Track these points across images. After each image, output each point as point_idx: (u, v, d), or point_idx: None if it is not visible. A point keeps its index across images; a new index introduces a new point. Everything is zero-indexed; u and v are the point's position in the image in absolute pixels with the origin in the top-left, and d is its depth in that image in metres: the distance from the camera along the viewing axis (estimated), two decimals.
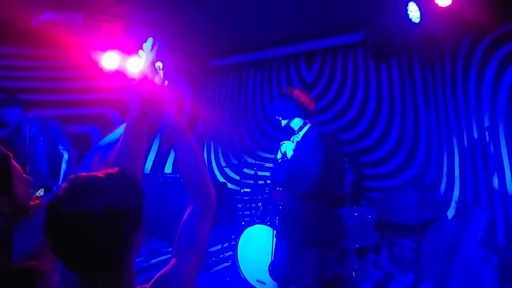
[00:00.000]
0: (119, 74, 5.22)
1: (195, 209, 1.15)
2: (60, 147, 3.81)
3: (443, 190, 4.40)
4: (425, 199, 4.08)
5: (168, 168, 6.39)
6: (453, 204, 4.25)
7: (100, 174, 0.93)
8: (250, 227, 3.75)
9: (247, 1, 3.80)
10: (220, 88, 6.58)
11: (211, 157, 6.64)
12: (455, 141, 4.27)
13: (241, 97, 6.36)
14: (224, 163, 6.44)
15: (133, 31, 4.58)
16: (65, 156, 3.84)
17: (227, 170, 6.31)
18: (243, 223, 4.28)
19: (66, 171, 3.84)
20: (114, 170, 0.97)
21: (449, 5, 3.02)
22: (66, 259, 0.88)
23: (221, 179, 6.25)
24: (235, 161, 6.23)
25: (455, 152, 4.26)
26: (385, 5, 3.78)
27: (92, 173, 0.93)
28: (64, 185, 0.90)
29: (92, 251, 0.87)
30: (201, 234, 1.10)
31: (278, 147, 6.11)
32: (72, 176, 0.93)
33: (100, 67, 4.82)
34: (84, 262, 0.88)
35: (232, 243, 4.39)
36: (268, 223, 3.67)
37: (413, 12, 3.35)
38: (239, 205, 5.68)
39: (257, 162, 5.91)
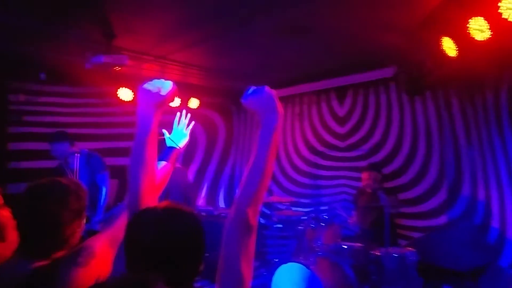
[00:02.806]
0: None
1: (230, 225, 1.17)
2: (99, 178, 3.99)
3: (495, 233, 4.03)
4: (475, 242, 3.75)
5: (200, 201, 6.45)
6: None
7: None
8: (283, 265, 3.66)
9: (279, 41, 3.93)
10: (252, 123, 6.69)
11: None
12: (504, 178, 3.99)
13: None
14: None
15: (172, 70, 4.85)
16: (104, 188, 4.01)
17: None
18: (275, 260, 4.18)
19: (104, 201, 4.00)
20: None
21: (487, 39, 2.97)
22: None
23: None
24: (266, 196, 6.19)
25: (505, 191, 3.96)
26: (417, 40, 3.78)
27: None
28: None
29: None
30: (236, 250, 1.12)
31: (310, 181, 6.04)
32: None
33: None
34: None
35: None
36: (302, 261, 3.56)
37: (448, 47, 3.32)
38: (272, 241, 5.58)
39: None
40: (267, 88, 1.31)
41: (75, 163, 3.64)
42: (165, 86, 1.41)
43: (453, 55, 3.28)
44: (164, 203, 1.14)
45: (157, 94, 1.38)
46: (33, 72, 4.21)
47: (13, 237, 1.49)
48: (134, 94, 4.97)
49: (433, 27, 3.40)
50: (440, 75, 3.88)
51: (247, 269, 1.11)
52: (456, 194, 4.45)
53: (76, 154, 3.84)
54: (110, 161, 4.35)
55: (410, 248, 3.67)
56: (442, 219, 4.52)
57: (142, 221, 1.06)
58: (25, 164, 4.54)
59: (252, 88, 1.34)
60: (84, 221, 1.45)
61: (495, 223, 4.07)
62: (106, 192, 4.02)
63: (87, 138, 4.97)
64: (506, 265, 3.81)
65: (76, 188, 1.41)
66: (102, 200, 3.97)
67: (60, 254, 1.33)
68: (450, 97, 4.59)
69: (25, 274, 1.22)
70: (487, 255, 3.79)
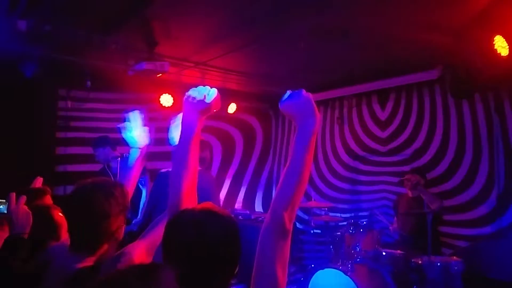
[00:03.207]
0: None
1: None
2: (139, 181, 4.12)
3: None
4: None
5: (238, 205, 6.51)
6: None
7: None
8: (320, 271, 3.60)
9: (317, 44, 3.90)
10: (289, 127, 6.67)
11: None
12: None
13: None
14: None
15: (211, 76, 4.95)
16: (144, 190, 4.14)
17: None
18: (312, 265, 4.13)
19: (144, 204, 4.13)
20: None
21: None
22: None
23: None
24: (304, 200, 6.13)
25: None
26: (466, 40, 3.60)
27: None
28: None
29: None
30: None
31: (349, 187, 5.93)
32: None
33: (180, 109, 5.23)
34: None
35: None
36: (340, 268, 3.49)
37: (501, 46, 3.13)
38: (309, 246, 5.52)
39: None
40: (304, 92, 1.30)
41: (117, 167, 3.78)
42: (210, 93, 1.44)
43: (505, 54, 3.11)
44: (202, 205, 1.17)
45: (202, 101, 1.42)
46: (80, 80, 4.42)
47: (66, 236, 1.59)
48: (174, 100, 5.12)
49: (484, 25, 3.25)
50: (491, 76, 3.67)
51: (282, 274, 1.10)
52: (507, 202, 4.17)
53: (118, 158, 3.98)
54: (150, 165, 4.51)
55: (455, 257, 3.51)
56: (490, 228, 4.25)
57: (180, 222, 1.09)
58: (71, 168, 4.79)
59: (289, 92, 1.34)
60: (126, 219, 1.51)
61: None
62: (146, 195, 4.14)
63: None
64: None
65: (121, 186, 1.50)
66: (142, 203, 4.10)
67: (105, 247, 1.39)
68: (502, 99, 4.32)
69: (70, 273, 1.28)
70: None
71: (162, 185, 3.38)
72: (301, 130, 1.24)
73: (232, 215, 1.17)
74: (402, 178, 4.46)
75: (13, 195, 1.59)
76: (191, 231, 1.04)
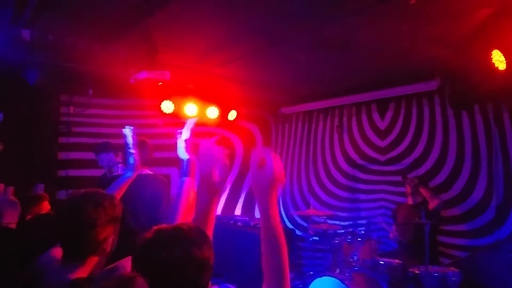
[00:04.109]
0: (197, 121, 5.65)
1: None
2: None
3: None
4: None
5: (238, 211, 6.53)
6: None
7: (182, 226, 1.10)
8: (318, 278, 3.62)
9: (318, 54, 3.95)
10: (290, 134, 6.71)
11: (279, 202, 6.65)
12: None
13: (310, 144, 6.39)
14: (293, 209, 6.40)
15: (212, 83, 5.00)
16: None
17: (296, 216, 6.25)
18: (311, 273, 4.15)
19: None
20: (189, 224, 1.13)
21: None
22: None
23: (289, 225, 6.18)
24: (303, 208, 6.16)
25: None
26: (464, 53, 3.65)
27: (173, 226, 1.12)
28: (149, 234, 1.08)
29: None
30: None
31: (349, 195, 5.95)
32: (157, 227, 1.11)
33: (180, 115, 5.28)
34: None
35: None
36: (338, 276, 3.51)
37: (498, 60, 3.18)
38: (307, 253, 5.53)
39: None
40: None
41: (119, 172, 3.80)
42: (216, 162, 1.42)
43: (503, 68, 3.15)
44: (175, 225, 1.15)
45: (210, 180, 1.40)
46: (82, 86, 4.49)
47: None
48: (175, 107, 5.16)
49: (482, 39, 3.31)
50: (489, 89, 3.72)
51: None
52: (505, 214, 4.19)
53: (120, 164, 3.99)
54: (152, 170, 4.52)
55: (452, 268, 3.53)
56: (488, 239, 4.27)
57: (148, 240, 1.08)
58: (73, 173, 4.81)
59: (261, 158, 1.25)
60: (117, 232, 1.52)
61: None
62: None
63: None
64: None
65: (112, 197, 1.53)
66: None
67: (94, 259, 1.42)
68: (502, 111, 4.36)
69: (65, 285, 1.31)
70: None
71: (134, 186, 3.33)
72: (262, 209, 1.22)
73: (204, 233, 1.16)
74: (405, 177, 4.50)
75: (1, 186, 1.63)
76: (155, 251, 1.03)
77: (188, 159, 1.64)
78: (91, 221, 1.39)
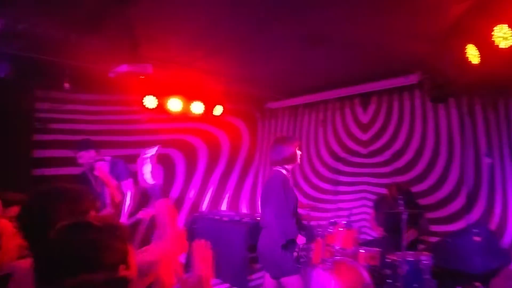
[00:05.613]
0: (181, 117, 5.65)
1: None
2: (123, 185, 4.10)
3: (509, 238, 4.02)
4: (489, 246, 3.74)
5: (224, 206, 6.56)
6: None
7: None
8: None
9: (300, 48, 3.99)
10: (276, 129, 6.76)
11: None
12: None
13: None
14: None
15: (196, 78, 4.99)
16: (129, 193, 4.12)
17: None
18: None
19: (128, 207, 4.11)
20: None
21: (511, 46, 2.92)
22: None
23: None
24: None
25: None
26: (442, 47, 3.74)
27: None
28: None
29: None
30: None
31: (332, 187, 6.03)
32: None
33: (164, 111, 5.26)
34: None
35: None
36: (320, 265, 3.60)
37: (472, 54, 3.27)
38: None
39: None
40: None
41: (100, 170, 3.70)
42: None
43: (476, 63, 3.24)
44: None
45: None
46: (58, 80, 4.22)
47: (9, 245, 1.58)
48: (159, 102, 5.12)
49: (457, 34, 3.38)
50: (464, 82, 3.83)
51: None
52: (474, 200, 4.41)
53: (101, 162, 3.84)
54: (135, 168, 4.48)
55: (425, 253, 3.71)
56: (460, 224, 4.48)
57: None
58: (49, 171, 4.58)
59: None
60: None
61: (509, 229, 4.01)
62: (130, 199, 4.12)
63: (113, 145, 5.04)
64: None
65: (77, 190, 1.50)
66: (126, 207, 4.07)
67: None
68: (474, 105, 4.52)
69: None
70: (500, 259, 3.77)
71: None
72: None
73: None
74: (390, 184, 4.65)
75: None
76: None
77: (156, 183, 1.66)
78: (50, 215, 1.35)
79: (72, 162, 3.98)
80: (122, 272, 1.04)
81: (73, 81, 4.27)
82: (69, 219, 1.19)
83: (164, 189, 1.69)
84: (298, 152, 3.24)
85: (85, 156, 3.89)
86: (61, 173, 4.53)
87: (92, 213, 1.48)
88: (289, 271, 3.03)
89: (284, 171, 3.17)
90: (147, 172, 1.67)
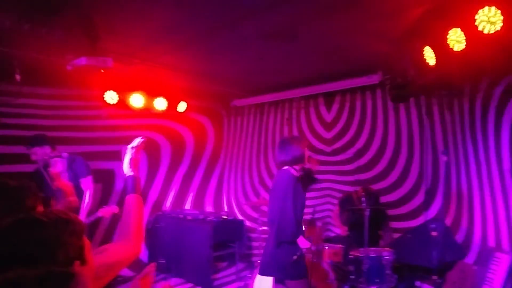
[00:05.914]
0: (144, 113, 5.50)
1: None
2: (83, 182, 3.94)
3: (463, 232, 4.24)
4: (445, 241, 3.94)
5: (188, 205, 6.47)
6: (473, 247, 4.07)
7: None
8: None
9: (266, 46, 3.99)
10: (241, 127, 6.74)
11: (231, 194, 6.69)
12: (474, 183, 4.15)
13: (261, 136, 6.48)
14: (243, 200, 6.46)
15: (159, 73, 4.86)
16: (88, 192, 3.96)
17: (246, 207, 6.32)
18: (259, 261, 4.23)
19: (88, 205, 3.96)
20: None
21: (464, 49, 3.08)
22: None
23: (240, 217, 6.24)
24: (254, 199, 6.24)
25: (474, 194, 4.13)
26: (402, 48, 3.88)
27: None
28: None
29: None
30: None
31: None
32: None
33: (125, 106, 5.09)
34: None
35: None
36: None
37: (429, 56, 3.42)
38: (256, 243, 5.62)
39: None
40: None
41: (56, 167, 3.52)
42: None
43: (433, 64, 3.39)
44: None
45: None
46: (10, 73, 3.96)
47: None
48: (120, 97, 4.95)
49: (416, 36, 3.51)
50: (422, 83, 3.99)
51: None
52: (432, 196, 4.61)
53: (56, 158, 3.66)
54: (94, 164, 4.30)
55: (387, 248, 3.83)
56: (419, 220, 4.67)
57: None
58: (1, 168, 4.31)
59: None
60: None
61: (464, 224, 4.23)
62: (90, 196, 3.97)
63: (71, 141, 4.86)
64: (472, 262, 3.98)
65: (18, 187, 1.47)
66: (85, 204, 3.92)
67: None
68: (432, 105, 4.73)
69: None
70: (455, 252, 3.98)
71: None
72: None
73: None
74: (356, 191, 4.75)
75: None
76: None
77: (132, 175, 1.58)
78: None
79: (25, 158, 3.78)
80: (77, 268, 0.98)
81: (26, 73, 4.02)
82: (10, 216, 1.10)
83: (141, 185, 1.60)
84: (307, 153, 3.19)
85: (39, 153, 3.70)
86: (13, 170, 4.28)
87: (39, 208, 1.40)
88: (292, 275, 2.94)
89: (293, 171, 3.10)
90: (125, 162, 1.61)
